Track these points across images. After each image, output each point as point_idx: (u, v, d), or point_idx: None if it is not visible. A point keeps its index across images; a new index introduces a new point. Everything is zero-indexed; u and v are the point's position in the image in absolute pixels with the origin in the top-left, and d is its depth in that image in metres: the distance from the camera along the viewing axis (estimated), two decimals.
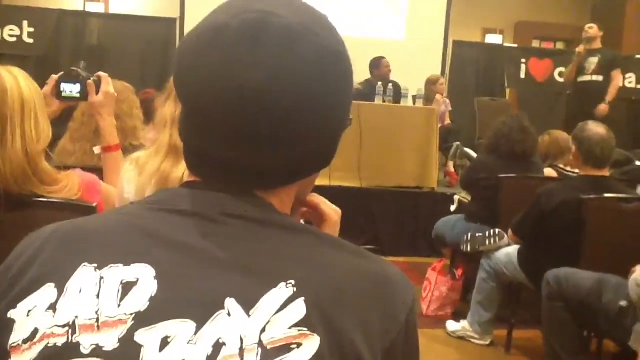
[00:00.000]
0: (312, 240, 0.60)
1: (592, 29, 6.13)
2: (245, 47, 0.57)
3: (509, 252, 3.18)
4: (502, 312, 3.28)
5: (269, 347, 0.52)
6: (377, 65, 6.21)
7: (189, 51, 0.61)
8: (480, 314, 3.27)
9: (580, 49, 6.12)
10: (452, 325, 3.41)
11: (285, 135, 0.59)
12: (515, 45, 8.37)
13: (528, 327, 3.32)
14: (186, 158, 0.66)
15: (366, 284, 0.58)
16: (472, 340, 3.30)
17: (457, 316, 3.50)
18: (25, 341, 0.55)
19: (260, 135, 0.58)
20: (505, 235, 3.21)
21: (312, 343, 0.52)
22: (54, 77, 1.83)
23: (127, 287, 0.55)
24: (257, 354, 0.51)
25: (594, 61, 6.09)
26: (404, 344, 0.58)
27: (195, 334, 0.52)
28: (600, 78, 6.09)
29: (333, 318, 0.54)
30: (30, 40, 6.73)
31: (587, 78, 6.14)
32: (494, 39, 9.16)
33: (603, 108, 5.94)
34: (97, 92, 1.85)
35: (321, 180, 0.75)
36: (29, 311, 0.56)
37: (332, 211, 0.78)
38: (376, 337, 0.55)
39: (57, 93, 1.82)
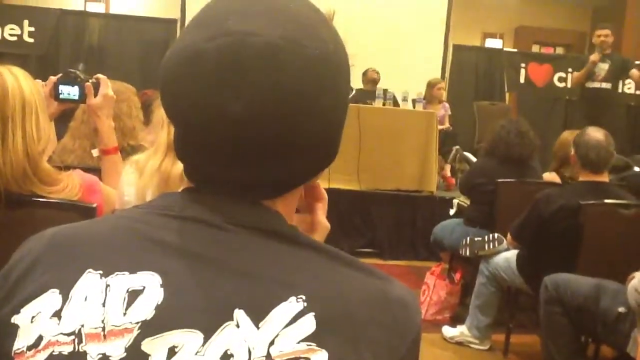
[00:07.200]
0: (322, 256, 0.59)
1: (608, 37, 5.87)
2: (225, 76, 0.55)
3: (508, 256, 3.18)
4: (500, 316, 3.28)
5: None
6: (364, 73, 6.38)
7: (169, 79, 0.59)
8: (479, 318, 3.26)
9: (595, 57, 5.84)
10: (448, 331, 3.39)
11: (280, 152, 0.57)
12: (515, 50, 8.38)
13: (526, 331, 3.32)
14: (185, 171, 0.63)
15: (376, 301, 0.57)
16: (471, 345, 3.29)
17: (455, 321, 3.50)
18: (29, 348, 0.55)
19: (254, 157, 0.57)
20: (504, 240, 3.21)
21: (320, 358, 0.52)
22: (52, 78, 1.82)
23: (133, 295, 0.54)
24: None
25: (604, 67, 5.92)
26: None
27: (203, 345, 0.52)
28: (609, 85, 5.96)
29: (342, 334, 0.54)
30: (31, 40, 6.73)
31: (596, 85, 5.98)
32: (493, 43, 9.17)
33: (638, 75, 5.73)
34: (96, 95, 1.84)
35: (320, 183, 0.75)
36: (33, 317, 0.56)
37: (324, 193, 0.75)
38: (384, 355, 0.55)
39: (56, 95, 1.81)
